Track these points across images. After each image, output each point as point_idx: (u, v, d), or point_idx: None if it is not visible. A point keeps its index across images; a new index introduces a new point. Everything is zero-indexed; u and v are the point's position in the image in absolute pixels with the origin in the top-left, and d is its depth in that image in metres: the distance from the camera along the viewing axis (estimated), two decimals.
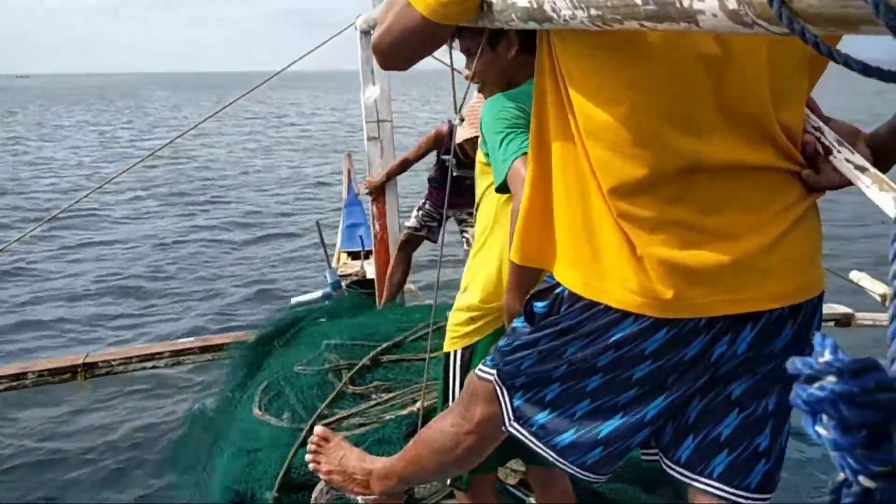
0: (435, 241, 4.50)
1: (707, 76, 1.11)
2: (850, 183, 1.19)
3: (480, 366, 1.51)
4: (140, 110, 42.51)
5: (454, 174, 4.31)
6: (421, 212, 4.50)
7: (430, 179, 4.56)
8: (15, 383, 4.14)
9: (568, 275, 1.28)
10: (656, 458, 1.39)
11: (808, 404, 0.41)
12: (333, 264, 5.66)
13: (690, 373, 1.26)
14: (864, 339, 5.30)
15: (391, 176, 4.47)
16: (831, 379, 0.40)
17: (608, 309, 1.23)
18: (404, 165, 4.46)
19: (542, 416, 1.38)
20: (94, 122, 33.13)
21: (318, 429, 2.00)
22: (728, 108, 1.14)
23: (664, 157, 1.15)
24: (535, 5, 1.01)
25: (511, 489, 2.60)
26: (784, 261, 1.19)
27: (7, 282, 7.60)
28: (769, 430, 1.28)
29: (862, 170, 1.20)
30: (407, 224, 4.56)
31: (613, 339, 1.25)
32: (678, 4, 0.64)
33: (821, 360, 0.41)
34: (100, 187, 4.87)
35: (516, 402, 1.42)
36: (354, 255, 6.05)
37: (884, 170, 1.43)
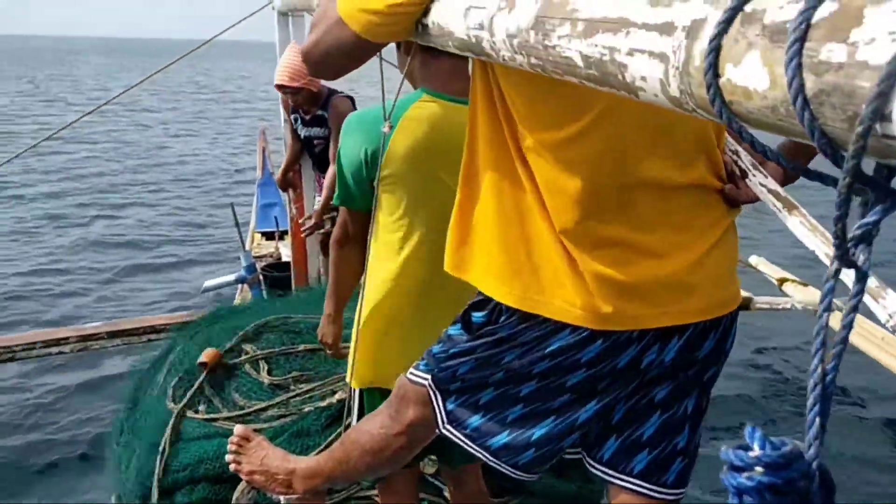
0: None
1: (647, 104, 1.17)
2: None
3: (412, 369, 1.55)
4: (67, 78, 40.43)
5: (303, 135, 4.35)
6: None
7: (314, 165, 4.48)
8: None
9: (503, 289, 1.32)
10: (578, 455, 1.46)
11: (736, 491, 0.46)
12: (248, 246, 5.57)
13: (621, 379, 1.34)
14: (761, 322, 5.62)
15: (290, 167, 4.41)
16: (759, 470, 0.45)
17: (546, 320, 1.29)
18: (294, 150, 4.38)
19: (475, 419, 1.43)
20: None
21: (238, 428, 1.99)
22: (665, 128, 1.21)
23: (606, 178, 1.21)
24: (473, 40, 1.03)
25: (429, 478, 2.65)
26: (708, 277, 1.29)
27: None
28: (686, 430, 1.39)
29: (774, 194, 1.29)
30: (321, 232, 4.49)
31: (550, 348, 1.31)
32: (620, 76, 0.67)
33: (751, 454, 0.45)
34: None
35: (450, 406, 1.46)
36: (269, 236, 5.96)
37: (792, 179, 1.55)
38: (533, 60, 0.86)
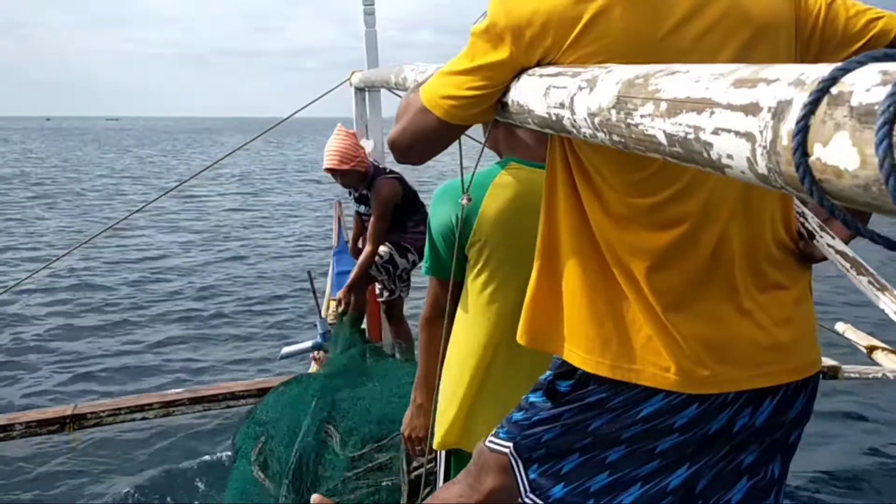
0: (404, 293, 4.57)
1: None
2: None
3: (492, 437, 1.54)
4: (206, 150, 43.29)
5: (356, 211, 4.51)
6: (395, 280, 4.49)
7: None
8: (2, 434, 4.09)
9: (592, 359, 1.31)
10: None
11: None
12: (323, 313, 5.65)
13: (713, 445, 1.31)
14: (851, 392, 5.38)
15: (357, 237, 4.49)
16: None
17: (638, 385, 1.28)
18: (357, 222, 4.47)
19: (558, 489, 1.40)
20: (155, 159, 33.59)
21: (314, 498, 2.01)
22: (749, 189, 1.22)
23: (694, 242, 1.23)
24: (553, 118, 1.06)
25: None
26: (799, 335, 1.29)
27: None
28: (773, 496, 1.36)
29: (842, 255, 1.27)
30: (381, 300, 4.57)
31: (643, 413, 1.29)
32: (705, 154, 0.68)
33: None
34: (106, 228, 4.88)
35: (532, 475, 1.44)
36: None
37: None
38: (615, 137, 0.89)
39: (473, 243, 1.87)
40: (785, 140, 0.57)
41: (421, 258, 4.34)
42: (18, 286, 5.90)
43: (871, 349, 4.47)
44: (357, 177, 4.21)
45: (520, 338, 1.44)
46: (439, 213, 1.93)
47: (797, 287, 1.31)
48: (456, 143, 1.80)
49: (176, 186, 5.49)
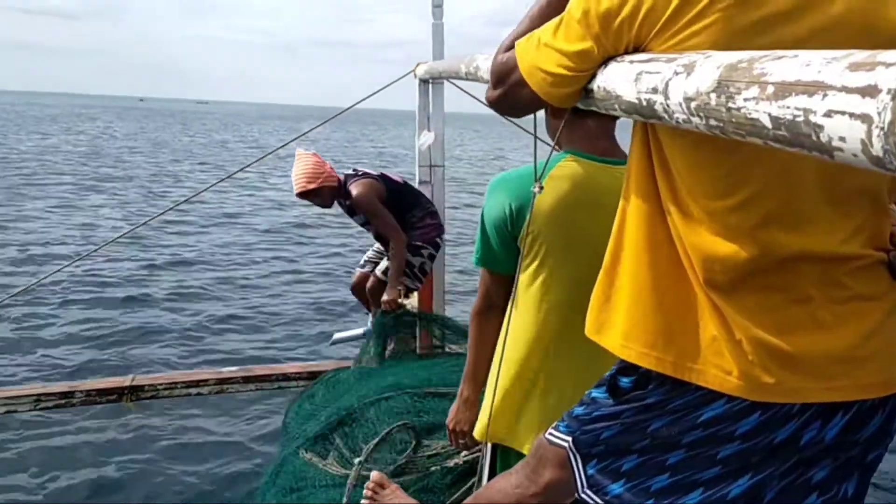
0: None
1: (817, 171, 1.16)
2: None
3: (552, 430, 1.53)
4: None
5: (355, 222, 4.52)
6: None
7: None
8: (63, 401, 4.24)
9: (654, 355, 1.29)
10: None
11: None
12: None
13: (777, 456, 1.27)
14: None
15: (401, 264, 4.37)
16: None
17: (699, 388, 1.25)
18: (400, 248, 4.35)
19: (617, 486, 1.38)
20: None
21: (374, 474, 2.04)
22: (837, 199, 1.19)
23: (768, 248, 1.19)
24: (643, 103, 1.06)
25: None
26: (880, 351, 1.22)
27: (66, 295, 7.81)
28: None
29: None
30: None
31: (703, 418, 1.27)
32: (814, 137, 0.68)
33: None
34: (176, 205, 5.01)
35: (590, 471, 1.42)
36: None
37: None
38: (712, 122, 0.89)
39: (526, 235, 1.86)
40: None
41: (435, 249, 4.39)
42: (78, 261, 6.07)
43: None
44: (331, 192, 4.25)
45: (587, 330, 1.44)
46: (493, 204, 1.93)
47: (884, 301, 1.24)
48: (531, 129, 1.82)
49: (227, 177, 5.59)
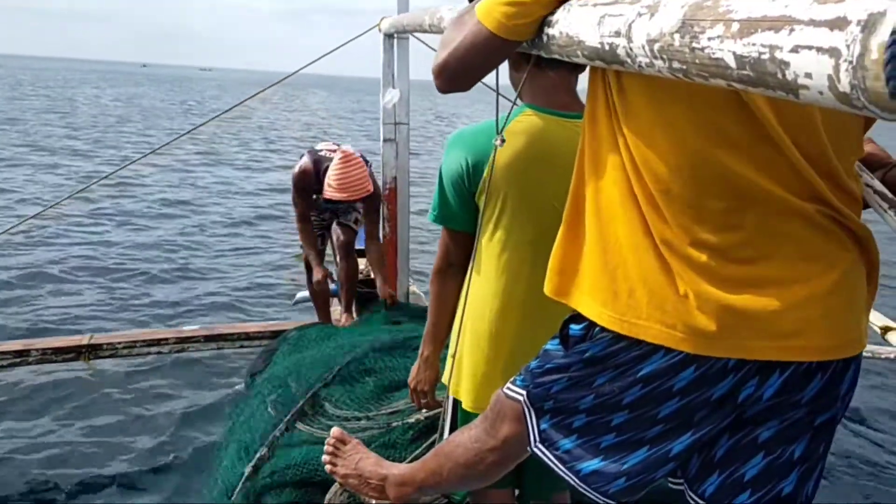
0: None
1: (769, 106, 1.14)
2: None
3: (509, 384, 1.54)
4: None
5: (326, 207, 4.61)
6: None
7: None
8: (18, 360, 4.16)
9: (605, 315, 1.29)
10: (682, 486, 1.42)
11: None
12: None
13: (718, 412, 1.28)
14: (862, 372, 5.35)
15: (308, 241, 4.57)
16: None
17: (639, 343, 1.26)
18: (300, 216, 4.53)
19: (567, 442, 1.40)
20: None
21: (334, 430, 2.02)
22: (778, 141, 1.17)
23: (717, 186, 1.18)
24: (606, 48, 1.03)
25: None
26: (827, 315, 1.21)
27: (21, 252, 7.64)
28: (794, 477, 1.31)
29: (881, 195, 1.25)
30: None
31: (642, 373, 1.28)
32: (779, 75, 0.66)
33: None
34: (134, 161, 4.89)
35: (543, 426, 1.44)
36: (361, 254, 6.06)
37: None
38: (675, 65, 0.86)
39: (482, 191, 1.83)
40: (875, 54, 0.55)
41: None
42: (40, 216, 5.92)
43: (886, 330, 4.44)
44: None
45: (546, 289, 1.43)
46: (450, 160, 1.89)
47: (840, 264, 1.22)
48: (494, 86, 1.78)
49: (185, 133, 5.47)
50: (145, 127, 23.88)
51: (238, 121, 23.45)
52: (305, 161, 4.46)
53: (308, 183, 4.41)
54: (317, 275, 4.41)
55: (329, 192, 4.27)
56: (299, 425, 2.86)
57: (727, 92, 1.10)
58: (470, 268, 1.93)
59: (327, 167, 4.33)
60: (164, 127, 24.02)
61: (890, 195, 1.27)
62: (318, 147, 4.60)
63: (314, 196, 4.51)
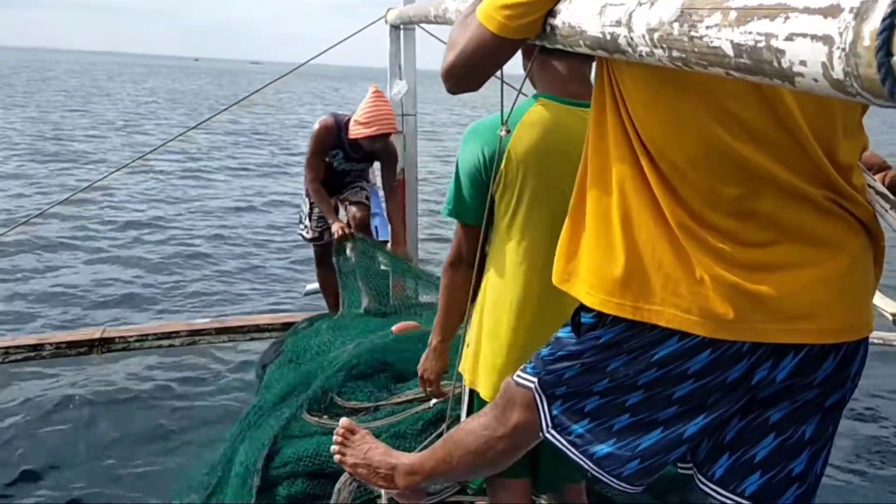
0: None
1: (791, 93, 1.14)
2: None
3: (520, 371, 1.54)
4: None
5: (341, 168, 4.44)
6: (312, 221, 4.53)
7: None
8: (32, 354, 4.20)
9: (613, 303, 1.30)
10: (690, 471, 1.42)
11: None
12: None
13: (731, 394, 1.29)
14: (873, 358, 5.32)
15: (323, 199, 4.38)
16: None
17: (652, 328, 1.27)
18: (315, 178, 4.36)
19: (580, 426, 1.41)
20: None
21: (343, 420, 2.02)
22: (794, 129, 1.18)
23: (732, 173, 1.19)
24: (607, 37, 1.04)
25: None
26: (837, 298, 1.23)
27: (32, 251, 7.69)
28: (805, 457, 1.32)
29: (882, 196, 1.26)
30: (308, 237, 4.58)
31: (657, 357, 1.28)
32: (775, 63, 0.67)
33: None
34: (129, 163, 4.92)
35: (555, 411, 1.44)
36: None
37: None
38: (675, 54, 0.87)
39: (499, 183, 1.83)
40: (867, 41, 0.56)
41: None
42: (51, 208, 5.96)
43: None
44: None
45: (554, 279, 1.44)
46: (467, 152, 1.88)
47: (850, 249, 1.24)
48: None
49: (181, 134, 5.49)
50: (179, 122, 24.05)
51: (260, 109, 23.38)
52: (327, 118, 4.36)
53: (328, 137, 4.28)
54: (335, 227, 4.31)
55: (355, 130, 4.14)
56: (309, 417, 2.88)
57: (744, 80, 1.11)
58: (478, 259, 1.93)
59: (348, 121, 4.24)
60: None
61: (891, 196, 1.27)
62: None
63: (328, 160, 4.45)
